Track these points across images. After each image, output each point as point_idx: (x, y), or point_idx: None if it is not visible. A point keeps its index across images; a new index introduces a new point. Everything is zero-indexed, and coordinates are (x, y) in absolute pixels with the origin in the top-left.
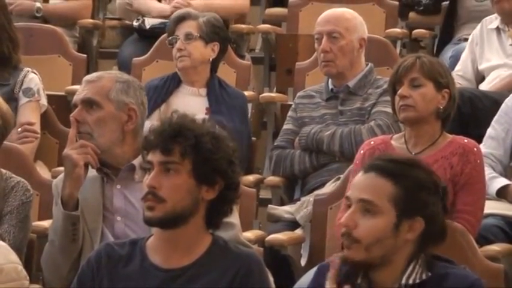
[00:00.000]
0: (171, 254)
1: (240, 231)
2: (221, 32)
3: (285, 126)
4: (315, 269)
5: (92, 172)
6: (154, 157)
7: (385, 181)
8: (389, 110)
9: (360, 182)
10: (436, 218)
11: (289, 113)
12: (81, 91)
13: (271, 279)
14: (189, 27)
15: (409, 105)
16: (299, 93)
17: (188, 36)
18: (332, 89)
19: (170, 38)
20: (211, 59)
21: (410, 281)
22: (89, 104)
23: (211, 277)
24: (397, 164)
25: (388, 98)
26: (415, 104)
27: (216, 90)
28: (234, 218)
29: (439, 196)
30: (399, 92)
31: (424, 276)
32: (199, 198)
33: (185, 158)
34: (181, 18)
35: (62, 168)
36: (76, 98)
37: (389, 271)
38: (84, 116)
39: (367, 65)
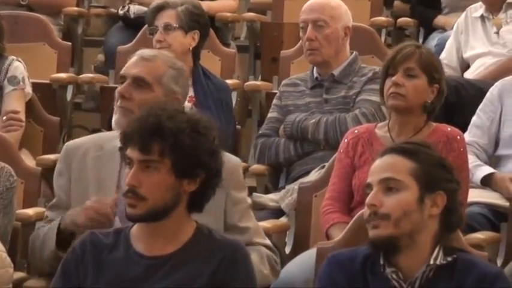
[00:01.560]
0: (154, 242)
1: (256, 234)
2: (200, 19)
3: (269, 115)
4: (304, 257)
5: (115, 148)
6: (133, 154)
7: (403, 158)
8: (374, 98)
9: (378, 165)
10: (456, 194)
11: (274, 101)
12: (133, 66)
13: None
14: (167, 17)
15: (401, 94)
16: (284, 82)
17: (167, 27)
18: (317, 77)
19: (150, 28)
20: (191, 48)
21: (438, 262)
22: (139, 82)
23: (195, 265)
24: (411, 144)
25: (373, 86)
26: (406, 94)
27: (201, 81)
28: (250, 222)
29: (454, 176)
30: (393, 79)
31: (449, 259)
32: (181, 191)
33: (164, 157)
34: (160, 8)
35: (46, 156)
36: (127, 71)
37: (415, 254)
38: (132, 92)
39: (351, 53)
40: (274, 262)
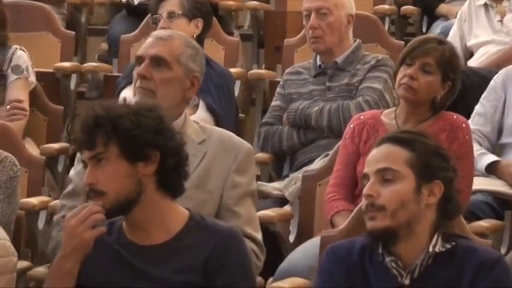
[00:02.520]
0: (144, 232)
1: (248, 224)
2: (203, 8)
3: (273, 103)
4: (308, 246)
5: None
6: (84, 155)
7: (400, 148)
8: (377, 85)
9: (374, 155)
10: (453, 183)
11: (278, 90)
12: (150, 46)
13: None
14: (171, 5)
15: (412, 88)
16: (287, 70)
17: (171, 15)
18: (320, 65)
19: (153, 17)
20: (195, 36)
21: (437, 249)
22: (158, 61)
23: (189, 253)
24: (408, 134)
25: (376, 73)
26: (418, 88)
27: None
28: (244, 210)
29: (451, 164)
30: (409, 71)
31: (448, 246)
32: (140, 176)
33: (109, 145)
34: None
35: (50, 145)
36: (144, 52)
37: (414, 243)
38: (152, 72)
39: (354, 41)
40: (257, 258)
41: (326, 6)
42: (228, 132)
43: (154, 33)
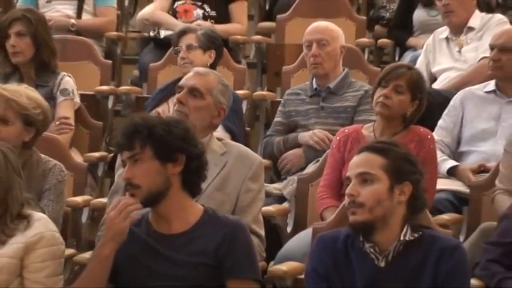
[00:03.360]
0: (168, 222)
1: (255, 222)
2: (216, 41)
3: (275, 119)
4: (302, 235)
5: None
6: (123, 155)
7: (376, 155)
8: (373, 117)
9: (355, 161)
10: (420, 184)
11: (279, 108)
12: (190, 78)
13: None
14: (189, 39)
15: (387, 105)
16: (287, 91)
17: (189, 47)
18: (316, 88)
19: (175, 49)
20: (209, 64)
21: (407, 238)
22: (194, 91)
23: (204, 240)
24: (383, 144)
25: (368, 106)
26: (392, 105)
27: None
28: (254, 210)
29: (418, 168)
30: (384, 91)
31: (416, 235)
32: (169, 175)
33: (145, 148)
34: (183, 32)
35: (92, 154)
36: (185, 82)
37: (388, 233)
38: (188, 99)
39: (343, 69)
40: (261, 250)
41: (325, 38)
42: (244, 147)
43: (195, 69)
